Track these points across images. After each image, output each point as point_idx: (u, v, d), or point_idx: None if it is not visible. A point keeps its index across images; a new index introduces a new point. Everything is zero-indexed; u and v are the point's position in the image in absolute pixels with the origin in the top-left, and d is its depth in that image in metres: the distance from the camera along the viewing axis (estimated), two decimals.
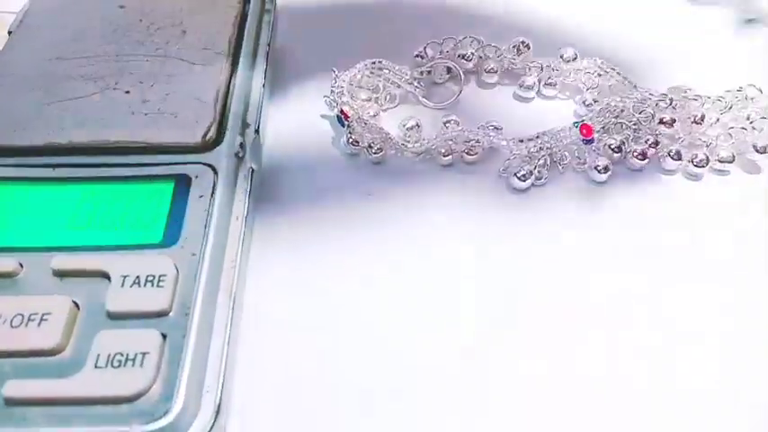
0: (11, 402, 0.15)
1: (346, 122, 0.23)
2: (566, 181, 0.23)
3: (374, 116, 0.25)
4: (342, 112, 0.24)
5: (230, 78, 0.23)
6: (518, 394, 0.18)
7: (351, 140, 0.23)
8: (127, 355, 0.16)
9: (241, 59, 0.23)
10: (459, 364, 0.18)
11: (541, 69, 0.26)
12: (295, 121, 0.25)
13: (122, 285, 0.17)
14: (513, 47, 0.26)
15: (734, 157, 0.23)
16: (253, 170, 0.21)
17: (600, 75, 0.26)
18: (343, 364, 0.18)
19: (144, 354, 0.16)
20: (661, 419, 0.17)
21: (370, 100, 0.25)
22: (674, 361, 0.18)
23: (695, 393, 0.18)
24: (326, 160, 0.23)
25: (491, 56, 0.26)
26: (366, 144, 0.23)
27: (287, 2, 0.29)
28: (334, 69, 0.25)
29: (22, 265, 0.18)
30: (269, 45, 0.25)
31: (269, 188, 0.22)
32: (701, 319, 0.19)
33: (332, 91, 0.25)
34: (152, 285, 0.17)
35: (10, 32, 0.25)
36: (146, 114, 0.21)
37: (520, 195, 0.22)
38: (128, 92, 0.22)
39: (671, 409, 0.17)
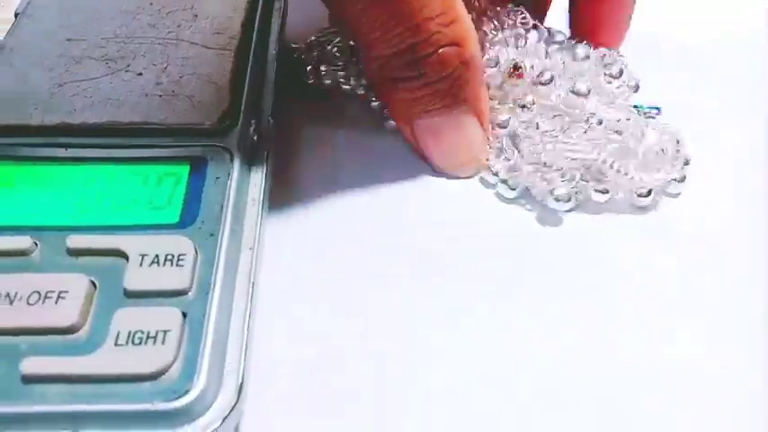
0: (29, 379, 0.15)
1: None
2: None
3: None
4: None
5: (243, 62, 0.22)
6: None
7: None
8: (147, 332, 0.15)
9: (254, 43, 0.23)
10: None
11: None
12: (309, 104, 0.25)
13: (141, 264, 0.17)
14: None
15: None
16: (268, 154, 0.21)
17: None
18: (357, 346, 0.18)
19: (165, 331, 0.15)
20: None
21: None
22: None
23: None
24: (342, 143, 0.23)
25: None
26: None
27: None
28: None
29: (36, 244, 0.17)
30: (280, 29, 0.25)
31: (283, 173, 0.22)
32: None
33: None
34: (171, 264, 0.17)
35: (17, 14, 0.25)
36: (159, 96, 0.21)
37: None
38: (140, 74, 0.22)
39: None
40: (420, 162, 0.23)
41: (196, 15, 0.24)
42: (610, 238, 0.21)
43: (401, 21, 0.20)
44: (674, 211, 0.22)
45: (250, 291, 0.17)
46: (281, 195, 0.21)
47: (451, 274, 0.20)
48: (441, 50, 0.20)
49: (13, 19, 0.25)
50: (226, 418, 0.15)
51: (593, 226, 0.21)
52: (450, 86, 0.21)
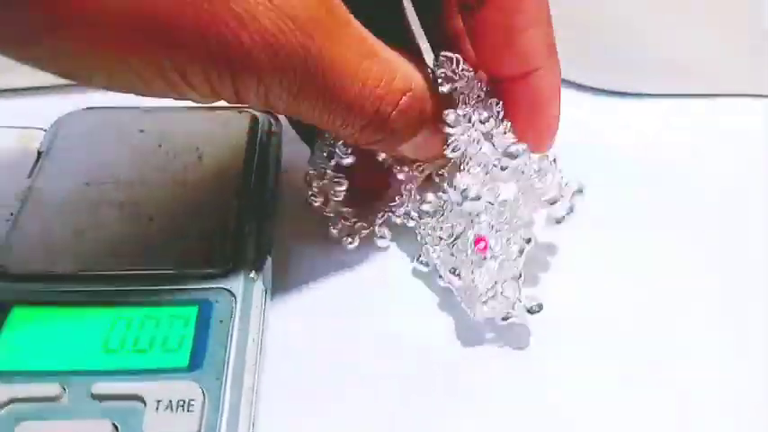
0: None
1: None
2: None
3: None
4: None
5: (244, 202, 0.25)
6: None
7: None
8: None
9: (253, 182, 0.26)
10: None
11: None
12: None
13: (157, 410, 0.19)
14: None
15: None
16: (266, 292, 0.23)
17: None
18: None
19: None
20: None
21: None
22: None
23: None
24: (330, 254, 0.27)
25: None
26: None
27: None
28: None
29: (64, 389, 0.20)
30: (276, 167, 0.28)
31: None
32: None
33: None
34: (183, 410, 0.19)
35: (40, 152, 0.27)
36: (168, 242, 0.24)
37: None
38: (151, 219, 0.24)
39: None
40: (419, 282, 0.26)
41: (200, 157, 0.27)
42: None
43: (345, 108, 0.20)
44: None
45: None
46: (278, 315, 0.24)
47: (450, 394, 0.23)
48: (396, 110, 0.21)
49: (36, 155, 0.27)
50: None
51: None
52: (419, 119, 0.23)
